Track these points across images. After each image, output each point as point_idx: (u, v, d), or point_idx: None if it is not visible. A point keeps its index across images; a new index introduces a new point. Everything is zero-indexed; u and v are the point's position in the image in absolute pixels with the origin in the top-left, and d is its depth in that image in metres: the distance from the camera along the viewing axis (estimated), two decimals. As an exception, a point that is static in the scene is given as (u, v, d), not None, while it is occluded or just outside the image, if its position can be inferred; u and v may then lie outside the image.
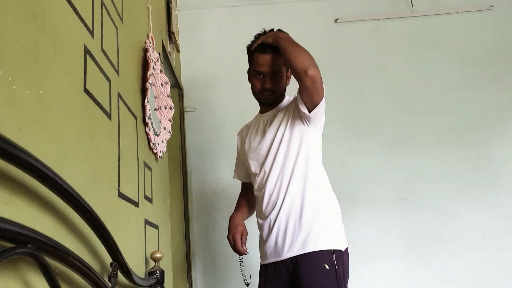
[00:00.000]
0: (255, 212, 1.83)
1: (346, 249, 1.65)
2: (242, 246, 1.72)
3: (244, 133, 1.93)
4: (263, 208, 1.70)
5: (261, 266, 1.74)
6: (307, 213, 1.61)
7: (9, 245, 0.61)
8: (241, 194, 1.97)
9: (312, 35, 3.00)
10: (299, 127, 1.69)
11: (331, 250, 1.57)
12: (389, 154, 2.81)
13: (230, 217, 1.82)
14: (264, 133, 1.76)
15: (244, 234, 1.75)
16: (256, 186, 1.77)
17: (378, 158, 2.80)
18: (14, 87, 0.70)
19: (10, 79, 0.69)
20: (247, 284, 1.81)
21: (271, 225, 1.67)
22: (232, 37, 3.00)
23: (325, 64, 2.98)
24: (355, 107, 2.89)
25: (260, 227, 1.75)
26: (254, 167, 1.77)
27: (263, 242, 1.73)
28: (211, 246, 2.74)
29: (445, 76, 2.93)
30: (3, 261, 0.58)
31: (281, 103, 1.82)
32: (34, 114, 0.76)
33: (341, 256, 1.59)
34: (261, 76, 1.77)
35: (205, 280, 2.71)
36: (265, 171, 1.72)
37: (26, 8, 0.77)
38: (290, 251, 1.61)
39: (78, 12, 1.01)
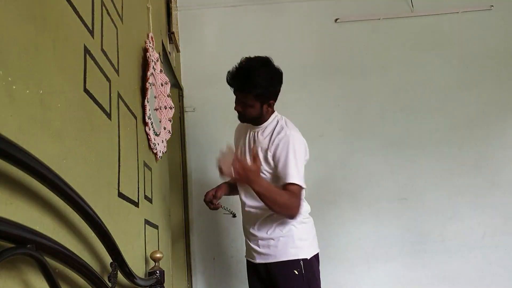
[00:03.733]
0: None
1: (317, 258, 1.88)
2: (212, 201, 1.96)
3: (238, 132, 2.06)
4: (244, 215, 1.96)
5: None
6: (277, 229, 1.84)
7: (9, 245, 0.61)
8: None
9: (312, 35, 3.00)
10: (271, 164, 1.83)
11: (299, 259, 1.81)
12: (389, 154, 2.81)
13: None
14: (248, 147, 1.92)
15: (218, 192, 2.01)
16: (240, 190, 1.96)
17: (378, 158, 2.80)
18: (14, 87, 0.70)
19: (10, 79, 0.69)
20: (234, 215, 2.09)
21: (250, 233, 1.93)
22: (232, 37, 3.00)
23: (325, 64, 3.00)
24: (355, 107, 2.89)
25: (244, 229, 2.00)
26: None
27: (247, 244, 1.98)
28: (211, 246, 2.74)
29: (445, 76, 2.93)
30: (3, 261, 0.58)
31: (267, 124, 1.87)
32: (34, 114, 0.76)
33: (309, 263, 1.82)
34: (235, 98, 1.87)
35: (205, 280, 2.71)
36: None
37: (26, 8, 0.77)
38: (263, 259, 1.88)
39: (78, 12, 1.01)
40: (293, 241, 1.82)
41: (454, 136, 2.83)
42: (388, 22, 3.00)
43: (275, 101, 1.85)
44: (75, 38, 0.98)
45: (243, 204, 1.94)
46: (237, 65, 1.79)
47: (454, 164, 2.80)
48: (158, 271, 1.44)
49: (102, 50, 1.17)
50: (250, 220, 1.91)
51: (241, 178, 1.66)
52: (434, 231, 2.72)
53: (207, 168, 2.82)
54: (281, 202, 1.70)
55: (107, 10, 1.25)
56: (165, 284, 1.48)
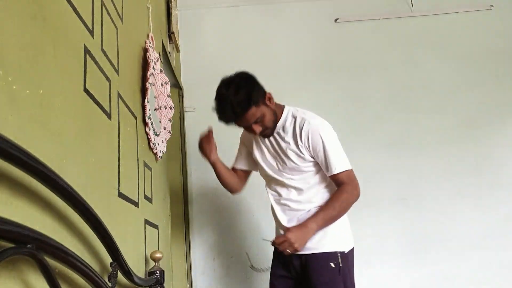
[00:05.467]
0: None
1: (352, 251, 1.81)
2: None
3: (247, 141, 2.00)
4: (279, 207, 1.86)
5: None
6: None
7: (9, 245, 0.61)
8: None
9: (312, 35, 3.00)
10: (309, 158, 1.78)
11: (337, 252, 1.74)
12: (389, 154, 2.81)
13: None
14: (279, 155, 1.83)
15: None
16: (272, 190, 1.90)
17: (378, 158, 2.80)
18: (14, 87, 0.70)
19: (10, 79, 0.69)
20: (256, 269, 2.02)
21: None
22: (232, 37, 3.00)
23: (325, 64, 3.00)
24: (355, 107, 2.89)
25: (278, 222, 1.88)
26: (273, 178, 1.88)
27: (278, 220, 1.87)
28: (211, 246, 2.74)
29: (445, 76, 2.93)
30: (3, 261, 0.58)
31: (284, 121, 1.81)
32: (34, 114, 0.76)
33: (346, 257, 1.76)
34: (248, 129, 1.81)
35: (205, 280, 2.71)
36: (284, 182, 1.84)
37: (26, 8, 0.77)
38: (303, 250, 1.74)
39: (78, 12, 1.01)
40: (331, 233, 1.75)
41: (454, 136, 2.83)
42: (388, 22, 3.00)
43: (269, 94, 1.77)
44: (75, 38, 0.98)
45: (278, 195, 1.85)
46: (217, 106, 1.74)
47: (454, 164, 2.80)
48: (158, 271, 1.44)
49: (102, 50, 1.17)
50: (287, 213, 1.82)
51: (300, 247, 1.67)
52: (434, 231, 2.72)
53: (207, 168, 2.81)
54: (342, 207, 1.72)
55: (107, 10, 1.25)
56: (165, 284, 1.48)
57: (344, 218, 1.81)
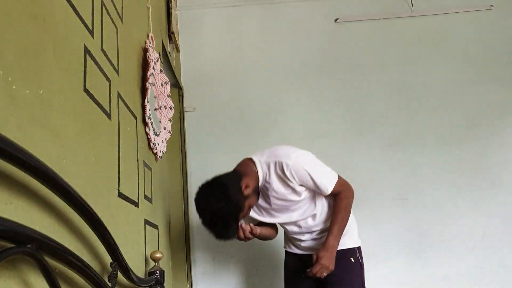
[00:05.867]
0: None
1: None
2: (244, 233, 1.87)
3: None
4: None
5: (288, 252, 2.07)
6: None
7: (9, 245, 0.61)
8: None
9: (312, 35, 3.00)
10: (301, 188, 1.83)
11: (354, 247, 1.92)
12: (389, 153, 2.81)
13: None
14: (279, 205, 1.88)
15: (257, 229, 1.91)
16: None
17: (378, 158, 2.80)
18: (14, 87, 0.70)
19: (10, 79, 0.69)
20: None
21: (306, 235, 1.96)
22: (232, 37, 3.00)
23: (325, 64, 3.00)
24: (355, 106, 2.89)
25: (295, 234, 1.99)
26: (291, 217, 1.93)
27: (297, 240, 1.98)
28: (211, 246, 2.74)
29: (445, 76, 2.92)
30: (3, 261, 0.58)
31: (263, 177, 1.82)
32: (34, 114, 0.76)
33: (360, 250, 1.96)
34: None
35: (205, 280, 2.71)
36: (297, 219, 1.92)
37: (26, 8, 0.77)
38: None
39: (78, 12, 1.01)
40: (348, 230, 1.89)
41: (454, 135, 2.83)
42: (388, 22, 3.00)
43: (245, 183, 1.76)
44: (75, 38, 0.98)
45: (299, 227, 1.94)
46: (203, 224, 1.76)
47: (454, 164, 2.79)
48: (158, 271, 1.44)
49: (102, 50, 1.17)
50: (306, 235, 1.96)
51: (333, 266, 1.76)
52: (434, 231, 2.72)
53: (207, 168, 2.81)
54: (347, 213, 1.82)
55: (107, 10, 1.25)
56: (165, 284, 1.49)
57: (352, 216, 1.94)
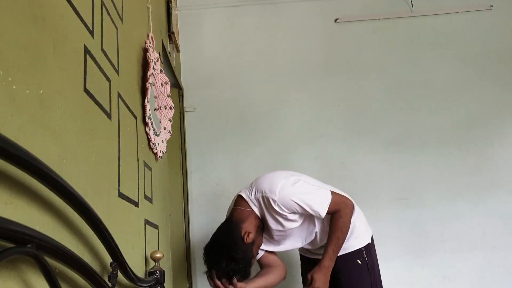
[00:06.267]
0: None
1: (371, 237, 1.97)
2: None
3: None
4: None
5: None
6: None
7: (9, 245, 0.61)
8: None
9: (312, 35, 3.00)
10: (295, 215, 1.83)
11: (361, 248, 1.89)
12: (389, 153, 2.81)
13: None
14: (285, 237, 1.90)
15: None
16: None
17: (378, 158, 2.80)
18: (14, 87, 0.70)
19: (10, 79, 0.69)
20: None
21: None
22: (232, 37, 3.00)
23: (325, 64, 3.00)
24: (355, 107, 2.89)
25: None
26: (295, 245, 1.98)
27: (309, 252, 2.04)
28: (211, 246, 2.74)
29: (445, 76, 2.92)
30: (3, 261, 0.58)
31: (258, 212, 1.83)
32: (34, 114, 0.76)
33: (368, 249, 1.90)
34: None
35: (205, 280, 2.71)
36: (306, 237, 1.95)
37: (26, 8, 0.77)
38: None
39: (78, 12, 1.01)
40: (353, 232, 1.87)
41: (454, 135, 2.83)
42: (388, 22, 3.00)
43: (246, 231, 1.77)
44: (75, 38, 0.98)
45: (312, 244, 1.97)
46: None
47: (454, 164, 2.80)
48: (158, 271, 1.44)
49: (102, 50, 1.17)
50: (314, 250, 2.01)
51: (326, 286, 1.76)
52: (434, 231, 2.72)
53: (207, 168, 2.82)
54: (344, 231, 1.77)
55: (107, 10, 1.25)
56: (165, 284, 1.48)
57: (358, 212, 1.93)
